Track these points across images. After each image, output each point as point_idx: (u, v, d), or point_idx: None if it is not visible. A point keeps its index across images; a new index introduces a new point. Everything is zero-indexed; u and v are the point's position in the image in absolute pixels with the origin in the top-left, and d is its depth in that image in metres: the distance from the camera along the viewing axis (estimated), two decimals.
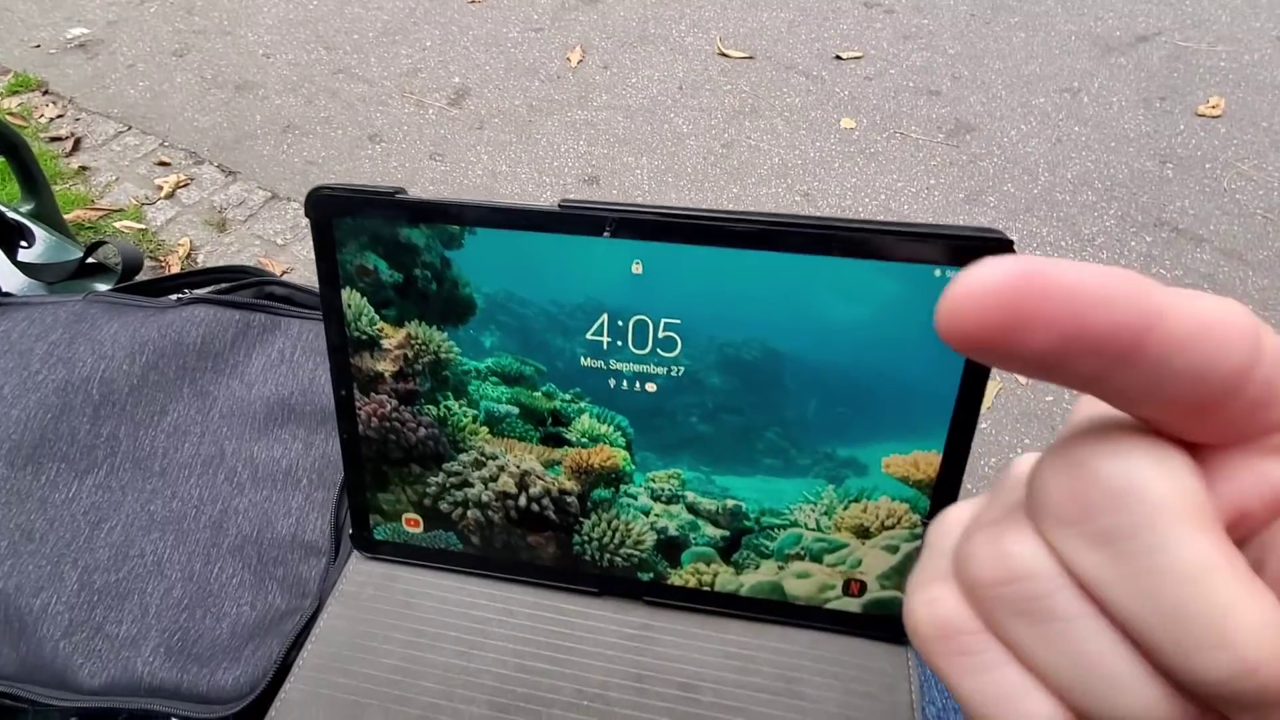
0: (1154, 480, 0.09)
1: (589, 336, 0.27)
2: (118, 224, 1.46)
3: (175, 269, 1.36)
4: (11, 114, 1.71)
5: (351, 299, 0.27)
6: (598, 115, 1.71)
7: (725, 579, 0.30)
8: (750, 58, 1.87)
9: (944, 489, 0.27)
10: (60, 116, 1.72)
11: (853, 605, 0.29)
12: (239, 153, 1.63)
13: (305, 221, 1.57)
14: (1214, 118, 1.68)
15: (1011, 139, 1.64)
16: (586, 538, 0.30)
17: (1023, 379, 1.19)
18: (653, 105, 1.74)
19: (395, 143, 1.65)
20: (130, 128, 1.69)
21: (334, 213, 0.26)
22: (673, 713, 0.27)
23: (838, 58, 1.86)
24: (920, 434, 0.26)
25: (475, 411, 0.29)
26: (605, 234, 0.25)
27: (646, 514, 0.29)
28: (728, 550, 0.29)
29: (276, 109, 1.74)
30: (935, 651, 0.11)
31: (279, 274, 0.78)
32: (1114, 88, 1.76)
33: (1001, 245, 0.23)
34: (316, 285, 0.55)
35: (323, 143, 1.66)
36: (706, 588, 0.30)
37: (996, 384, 1.19)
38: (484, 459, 0.29)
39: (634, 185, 1.54)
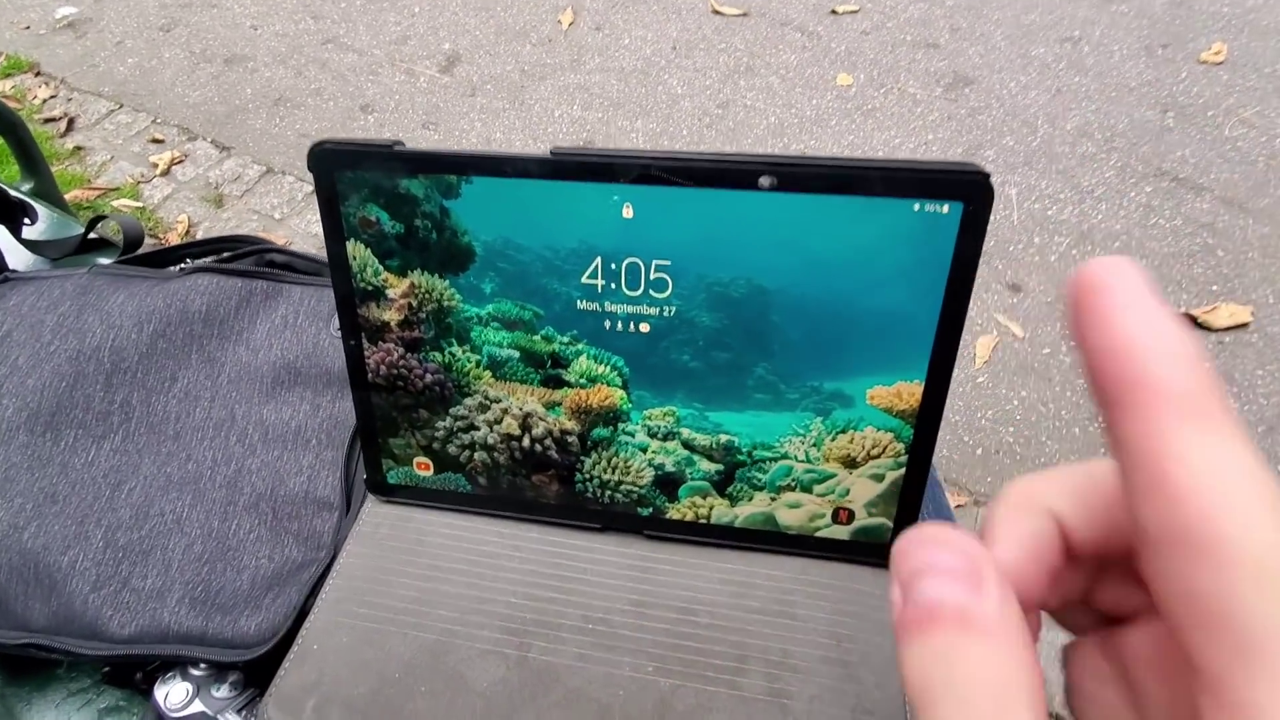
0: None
1: (584, 280, 0.28)
2: (115, 203, 1.47)
3: None
4: (6, 96, 1.70)
5: (356, 251, 0.28)
6: (591, 79, 1.70)
7: (720, 511, 0.31)
8: (745, 14, 1.84)
9: (926, 418, 0.28)
10: (53, 97, 1.71)
11: (842, 533, 0.30)
12: (231, 127, 1.62)
13: (301, 195, 1.57)
14: (1216, 64, 1.65)
15: (1011, 91, 1.62)
16: (588, 476, 0.32)
17: (1018, 332, 1.20)
18: (646, 67, 1.72)
19: (387, 113, 1.64)
20: (122, 106, 1.68)
21: (335, 166, 0.27)
22: (672, 633, 0.29)
23: (834, 12, 1.83)
24: (902, 365, 0.27)
25: (478, 356, 0.30)
26: (595, 179, 0.26)
27: (644, 451, 0.31)
28: (722, 484, 0.31)
29: (267, 82, 1.72)
30: None
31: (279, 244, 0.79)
32: (1115, 36, 1.73)
33: (977, 178, 0.24)
34: (314, 253, 0.56)
35: (314, 115, 1.65)
36: (703, 520, 0.32)
37: (993, 338, 1.19)
38: (488, 402, 0.31)
39: None
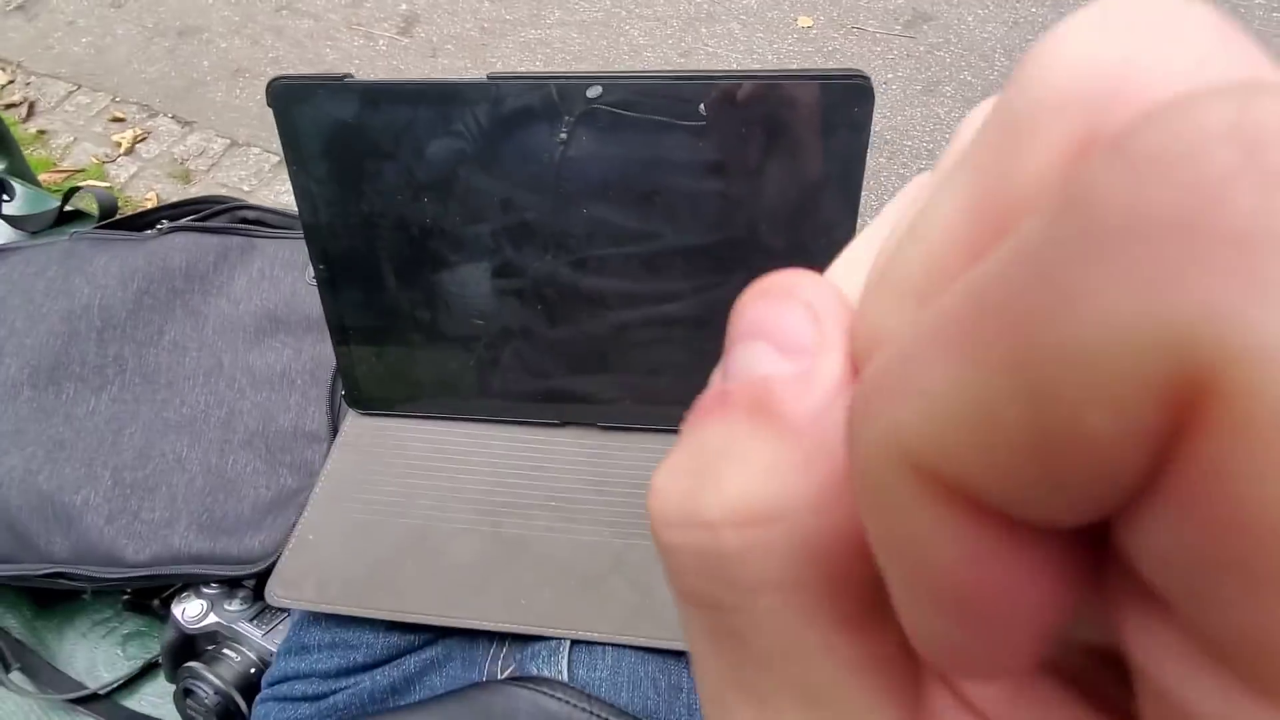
0: None
1: (526, 191, 0.31)
2: (83, 184, 1.46)
3: None
4: None
5: (318, 177, 0.32)
6: (551, 33, 1.69)
7: None
8: None
9: None
10: (11, 82, 1.68)
11: None
12: (192, 101, 1.61)
13: (269, 166, 1.56)
14: None
15: (969, 25, 1.63)
16: (555, 377, 0.35)
17: None
18: (606, 18, 1.71)
19: None
20: (80, 86, 1.66)
21: (292, 100, 0.30)
22: (626, 503, 0.33)
23: None
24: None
25: (442, 271, 0.34)
26: (528, 99, 0.29)
27: None
28: None
29: (223, 53, 1.70)
30: None
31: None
32: None
33: (860, 81, 0.28)
34: (283, 208, 0.58)
35: None
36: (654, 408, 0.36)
37: None
38: (456, 314, 0.34)
39: None
